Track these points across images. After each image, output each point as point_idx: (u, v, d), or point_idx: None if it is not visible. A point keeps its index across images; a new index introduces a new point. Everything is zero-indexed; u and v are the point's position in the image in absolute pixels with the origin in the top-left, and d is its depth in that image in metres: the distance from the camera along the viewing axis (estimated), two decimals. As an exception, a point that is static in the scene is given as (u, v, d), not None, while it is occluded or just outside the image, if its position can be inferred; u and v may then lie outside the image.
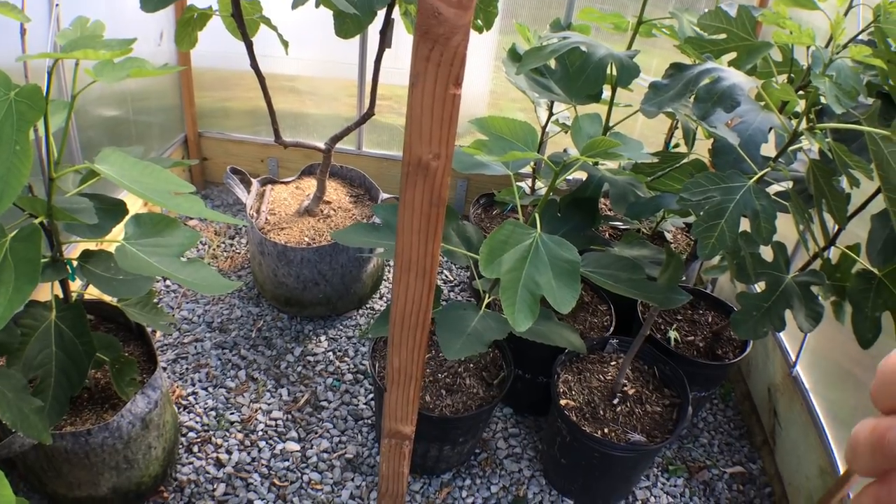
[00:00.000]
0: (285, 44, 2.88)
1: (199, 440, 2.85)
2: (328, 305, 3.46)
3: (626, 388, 2.68)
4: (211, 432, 2.88)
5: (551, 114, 3.29)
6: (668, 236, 3.52)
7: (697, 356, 2.87)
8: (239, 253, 3.96)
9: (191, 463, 2.76)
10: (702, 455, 3.03)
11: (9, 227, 1.57)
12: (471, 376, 2.69)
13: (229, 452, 2.81)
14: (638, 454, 2.51)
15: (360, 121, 3.12)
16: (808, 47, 1.78)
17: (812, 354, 2.81)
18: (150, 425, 2.38)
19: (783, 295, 2.01)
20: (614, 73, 2.29)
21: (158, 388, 2.38)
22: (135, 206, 3.58)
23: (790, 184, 1.99)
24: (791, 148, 1.82)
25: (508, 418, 3.07)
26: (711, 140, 1.88)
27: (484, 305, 2.17)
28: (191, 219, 4.09)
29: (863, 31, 1.81)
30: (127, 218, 1.85)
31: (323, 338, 3.41)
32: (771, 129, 1.82)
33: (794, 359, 2.87)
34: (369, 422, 2.97)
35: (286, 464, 2.78)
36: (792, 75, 2.18)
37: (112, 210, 1.90)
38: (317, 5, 2.54)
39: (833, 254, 2.15)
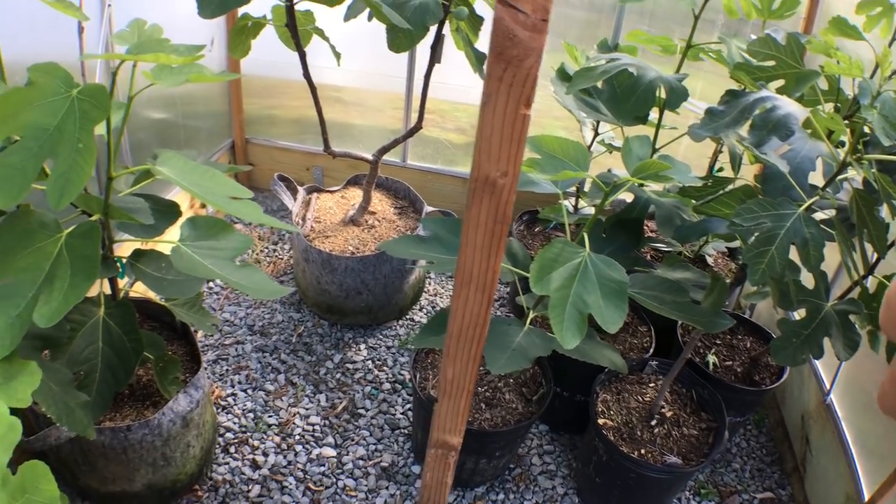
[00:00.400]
0: (338, 55, 2.91)
1: (236, 441, 2.88)
2: (369, 315, 3.49)
3: (664, 410, 2.69)
4: (248, 434, 2.91)
5: (596, 133, 3.31)
6: (710, 260, 3.52)
7: (735, 381, 2.87)
8: (282, 259, 4.00)
9: (227, 463, 2.79)
10: (733, 480, 3.03)
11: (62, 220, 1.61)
12: (510, 391, 2.71)
13: (266, 455, 2.84)
14: (673, 476, 2.51)
15: (407, 134, 3.15)
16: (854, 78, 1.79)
17: (845, 383, 2.80)
18: (190, 424, 2.41)
19: (822, 323, 2.02)
20: (662, 95, 2.29)
21: (201, 387, 2.42)
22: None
23: (834, 212, 2.00)
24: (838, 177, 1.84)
25: (544, 435, 3.08)
26: (755, 165, 1.89)
27: (528, 322, 2.18)
28: (235, 222, 4.13)
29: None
30: (182, 220, 1.88)
31: (362, 346, 3.43)
32: (818, 157, 1.83)
33: (828, 387, 2.86)
34: (406, 431, 2.99)
35: (322, 469, 2.80)
36: (838, 105, 2.18)
37: (166, 211, 1.94)
38: (369, 18, 2.57)
39: (871, 283, 2.15)
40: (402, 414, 3.08)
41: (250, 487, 2.70)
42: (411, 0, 2.53)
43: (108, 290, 2.14)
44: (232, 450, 2.84)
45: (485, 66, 0.91)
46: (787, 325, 2.03)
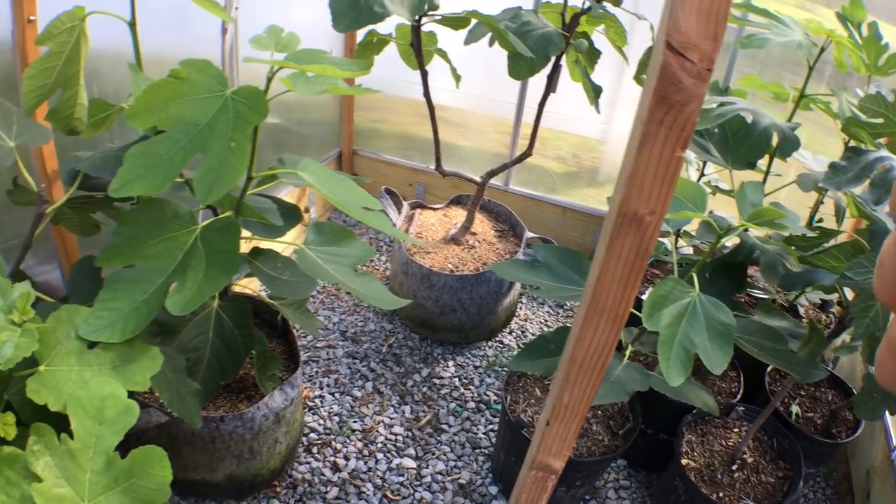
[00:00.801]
0: (458, 78, 2.96)
1: (319, 442, 2.93)
2: (460, 332, 3.52)
3: (745, 456, 2.68)
4: (332, 436, 2.97)
5: (702, 174, 3.31)
6: (801, 310, 3.50)
7: (814, 433, 2.86)
8: (378, 270, 4.06)
9: (308, 463, 2.84)
10: (799, 531, 3.02)
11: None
12: (598, 423, 2.72)
13: (347, 459, 2.89)
14: (748, 523, 2.51)
15: (517, 159, 3.18)
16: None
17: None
18: (281, 421, 2.46)
19: (904, 379, 2.01)
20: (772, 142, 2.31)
21: (297, 386, 2.47)
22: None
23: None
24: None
25: (621, 469, 3.08)
26: (852, 219, 1.90)
27: (627, 356, 2.21)
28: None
29: None
30: (309, 224, 1.93)
31: (451, 363, 3.47)
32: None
33: (895, 442, 2.84)
34: (486, 451, 3.02)
35: (401, 479, 2.84)
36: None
37: (288, 213, 1.99)
38: (490, 44, 2.61)
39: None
40: (483, 434, 3.10)
41: (328, 489, 2.75)
42: (535, 30, 2.57)
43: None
44: (314, 450, 2.90)
45: (645, 109, 0.93)
46: (872, 380, 2.03)
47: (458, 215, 3.79)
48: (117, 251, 1.57)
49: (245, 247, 1.87)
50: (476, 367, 3.47)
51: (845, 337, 3.03)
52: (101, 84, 2.36)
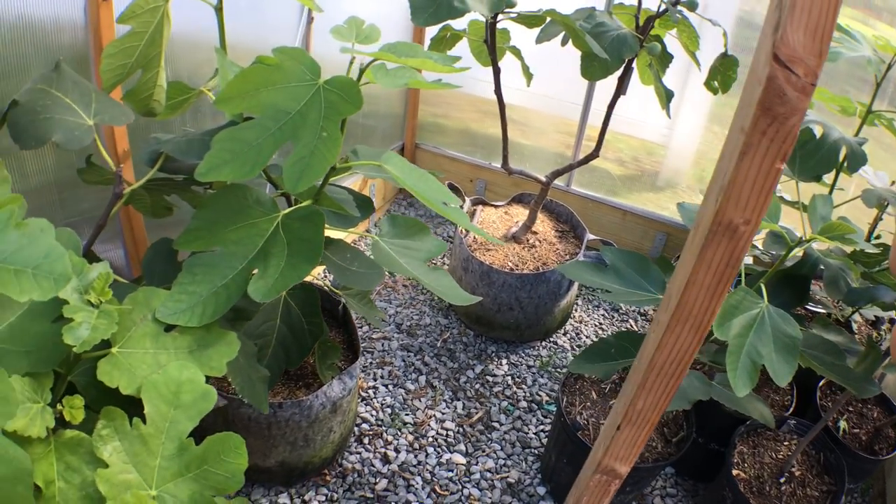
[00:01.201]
0: (529, 76, 2.95)
1: (370, 433, 2.94)
2: (516, 331, 3.51)
3: (793, 469, 2.66)
4: (384, 428, 2.97)
5: (768, 185, 3.28)
6: (854, 326, 3.48)
7: (859, 449, 2.84)
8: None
9: (359, 453, 2.85)
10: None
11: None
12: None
13: (397, 451, 2.89)
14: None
15: (583, 160, 3.16)
16: None
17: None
18: (337, 410, 2.47)
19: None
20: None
21: (355, 377, 2.48)
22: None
23: None
24: None
25: (669, 477, 3.06)
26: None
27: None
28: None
29: None
30: (382, 216, 1.93)
31: (504, 361, 3.46)
32: None
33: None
34: (536, 451, 3.01)
35: (450, 474, 2.84)
36: None
37: (362, 205, 1.99)
38: (563, 43, 2.60)
39: None
40: (534, 434, 3.09)
41: (377, 480, 2.75)
42: (609, 31, 2.56)
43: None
44: (366, 441, 2.90)
45: (748, 121, 0.93)
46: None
47: (520, 213, 3.78)
48: (197, 235, 1.58)
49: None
50: (529, 367, 3.46)
51: None
52: (175, 66, 2.37)
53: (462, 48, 2.92)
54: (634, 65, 2.88)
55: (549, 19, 2.51)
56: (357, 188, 3.84)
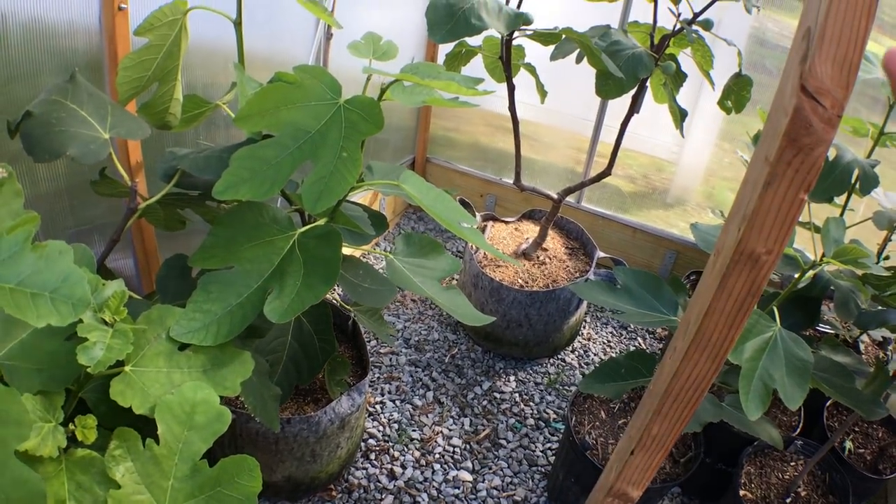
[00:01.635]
0: (544, 93, 2.95)
1: (377, 448, 2.93)
2: (524, 348, 3.50)
3: (799, 490, 2.66)
4: (390, 444, 2.96)
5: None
6: (862, 347, 3.48)
7: (863, 468, 2.83)
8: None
9: (365, 469, 2.84)
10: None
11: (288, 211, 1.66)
12: (661, 450, 2.70)
13: (404, 467, 2.88)
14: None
15: (595, 178, 3.16)
16: None
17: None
18: (345, 426, 2.46)
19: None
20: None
21: (364, 393, 2.47)
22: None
23: None
24: None
25: (675, 497, 3.04)
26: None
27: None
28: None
29: None
30: (398, 235, 1.92)
31: (512, 378, 3.45)
32: None
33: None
34: (543, 470, 2.99)
35: (456, 491, 2.82)
36: None
37: (376, 222, 1.99)
38: (578, 61, 2.59)
39: None
40: (541, 452, 3.08)
41: (383, 497, 2.74)
42: (624, 50, 2.55)
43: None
44: (372, 456, 2.89)
45: (773, 152, 0.93)
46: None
47: (530, 230, 3.77)
48: (213, 252, 1.57)
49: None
50: (537, 384, 3.44)
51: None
52: (189, 77, 2.37)
53: (476, 64, 2.92)
54: (648, 83, 2.88)
55: (564, 37, 2.50)
56: (367, 202, 3.84)
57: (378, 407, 3.12)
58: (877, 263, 2.34)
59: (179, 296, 1.68)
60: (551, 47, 2.58)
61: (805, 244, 2.72)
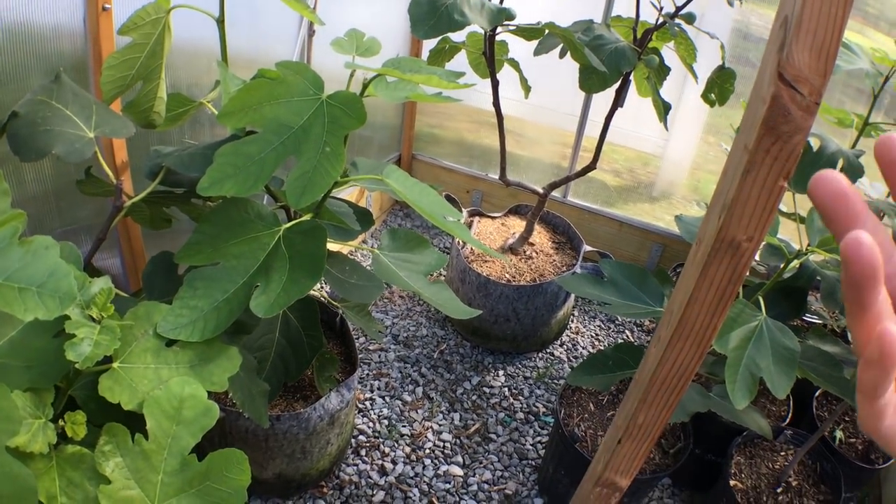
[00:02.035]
0: (527, 88, 2.95)
1: (367, 444, 2.94)
2: (512, 342, 3.51)
3: (790, 479, 2.67)
4: (380, 440, 2.97)
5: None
6: (849, 336, 3.50)
7: (855, 458, 2.85)
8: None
9: (356, 465, 2.85)
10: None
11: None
12: (650, 441, 2.71)
13: (394, 463, 2.89)
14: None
15: (580, 172, 3.17)
16: None
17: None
18: (335, 423, 2.47)
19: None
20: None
21: (353, 389, 2.48)
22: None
23: None
24: None
25: (665, 488, 3.06)
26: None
27: (688, 377, 2.20)
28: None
29: None
30: (384, 230, 1.93)
31: (501, 372, 3.46)
32: None
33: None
34: (533, 463, 3.01)
35: (447, 486, 2.83)
36: None
37: (362, 218, 1.99)
38: (561, 55, 2.61)
39: None
40: (531, 445, 3.09)
41: (374, 492, 2.75)
42: (607, 44, 2.56)
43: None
44: (363, 452, 2.90)
45: (752, 140, 0.94)
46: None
47: (516, 225, 3.79)
48: (198, 249, 1.57)
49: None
50: (526, 378, 3.46)
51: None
52: (173, 76, 2.37)
53: (460, 60, 2.93)
54: (632, 77, 2.89)
55: (547, 32, 2.51)
56: (353, 199, 3.84)
57: (368, 403, 3.13)
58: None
59: (166, 293, 1.68)
60: (535, 43, 2.60)
61: (791, 235, 2.74)
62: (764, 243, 2.20)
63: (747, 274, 2.89)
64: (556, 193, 4.20)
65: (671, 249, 4.14)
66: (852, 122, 2.72)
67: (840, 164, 2.32)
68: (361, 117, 1.44)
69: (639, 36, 2.73)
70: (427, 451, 2.97)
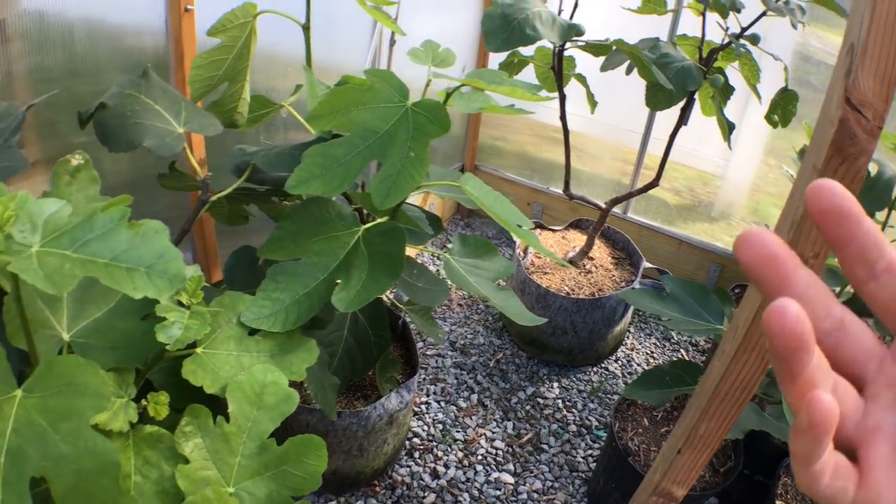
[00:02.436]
0: (594, 104, 3.00)
1: (421, 447, 2.98)
2: (568, 355, 3.54)
3: (837, 503, 2.68)
4: (434, 443, 3.01)
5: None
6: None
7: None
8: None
9: (409, 466, 2.89)
10: None
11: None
12: (702, 457, 2.73)
13: (447, 467, 2.93)
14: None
15: (643, 189, 3.20)
16: None
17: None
18: (393, 423, 2.51)
19: None
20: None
21: (412, 390, 2.52)
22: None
23: None
24: None
25: (713, 508, 3.08)
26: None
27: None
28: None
29: None
30: (454, 236, 1.98)
31: (555, 384, 3.49)
32: None
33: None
34: (583, 475, 3.03)
35: (497, 493, 2.87)
36: None
37: (433, 223, 2.04)
38: (628, 72, 2.64)
39: None
40: (582, 458, 3.12)
41: (426, 494, 2.79)
42: (674, 62, 2.59)
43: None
44: (416, 455, 2.94)
45: (821, 160, 0.98)
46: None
47: (577, 239, 3.82)
48: (280, 244, 1.63)
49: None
50: (580, 391, 3.48)
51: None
52: (251, 80, 2.44)
53: (526, 73, 2.98)
54: (696, 96, 2.92)
55: (615, 48, 2.55)
56: (419, 204, 3.89)
57: (423, 407, 3.18)
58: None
59: (246, 285, 1.74)
60: (600, 59, 2.63)
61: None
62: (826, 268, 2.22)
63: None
64: (616, 209, 4.21)
65: (729, 270, 4.14)
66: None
67: (896, 189, 2.34)
68: (445, 125, 1.49)
69: (704, 55, 2.76)
70: (479, 457, 3.01)
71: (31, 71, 1.85)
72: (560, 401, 3.39)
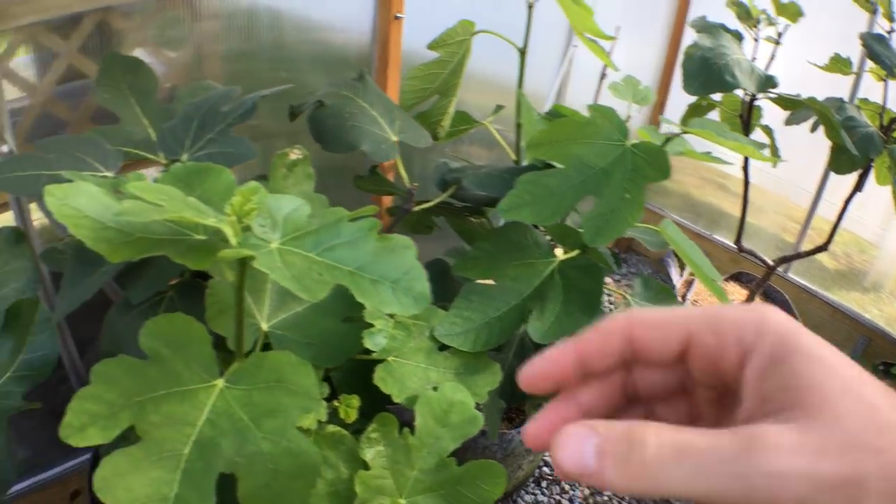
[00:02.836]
0: (778, 157, 2.95)
1: (550, 477, 2.96)
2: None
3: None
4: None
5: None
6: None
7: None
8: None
9: (534, 494, 2.88)
10: None
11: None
12: None
13: (571, 501, 2.91)
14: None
15: (812, 251, 3.14)
16: None
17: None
18: (532, 450, 2.50)
19: None
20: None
21: (557, 421, 2.51)
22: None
23: None
24: None
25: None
26: None
27: None
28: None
29: None
30: (637, 278, 1.97)
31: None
32: None
33: None
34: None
35: (617, 537, 2.84)
36: None
37: (616, 261, 2.03)
38: (812, 129, 2.60)
39: None
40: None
41: (546, 525, 2.78)
42: (858, 126, 2.54)
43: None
44: (543, 484, 2.93)
45: None
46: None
47: (735, 292, 3.76)
48: (475, 263, 1.64)
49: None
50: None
51: None
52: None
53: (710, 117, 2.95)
54: (872, 163, 2.86)
55: (805, 105, 2.51)
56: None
57: (557, 437, 3.16)
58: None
59: (437, 298, 1.75)
60: (782, 111, 2.61)
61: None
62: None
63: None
64: (779, 268, 4.15)
65: (875, 344, 4.02)
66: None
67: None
68: (665, 171, 1.48)
69: (885, 123, 2.70)
70: (605, 498, 2.98)
71: (234, 55, 1.90)
72: (695, 451, 3.34)
